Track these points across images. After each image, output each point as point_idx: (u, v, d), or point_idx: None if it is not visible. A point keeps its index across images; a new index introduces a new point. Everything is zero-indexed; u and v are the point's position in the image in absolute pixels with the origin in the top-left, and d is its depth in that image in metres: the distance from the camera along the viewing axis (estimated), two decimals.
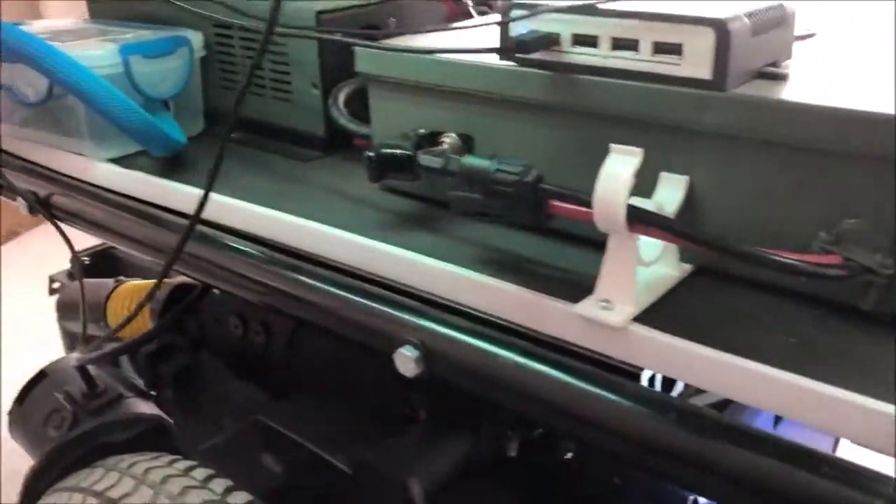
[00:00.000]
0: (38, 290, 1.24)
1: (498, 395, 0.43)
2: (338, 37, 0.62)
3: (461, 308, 0.46)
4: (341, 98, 0.65)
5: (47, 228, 0.71)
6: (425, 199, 0.57)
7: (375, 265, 0.50)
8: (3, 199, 0.74)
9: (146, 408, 0.70)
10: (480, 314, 0.46)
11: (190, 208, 0.59)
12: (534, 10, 0.46)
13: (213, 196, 0.54)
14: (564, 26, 0.46)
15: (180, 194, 0.61)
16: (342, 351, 0.69)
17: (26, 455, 0.73)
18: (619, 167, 0.40)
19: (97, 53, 0.64)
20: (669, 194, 0.44)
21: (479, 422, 0.55)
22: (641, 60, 0.44)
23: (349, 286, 0.50)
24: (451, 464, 0.54)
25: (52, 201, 0.70)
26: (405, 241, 0.51)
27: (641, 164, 0.40)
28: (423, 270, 0.48)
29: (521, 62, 0.48)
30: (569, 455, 0.56)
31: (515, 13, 0.47)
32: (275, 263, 0.54)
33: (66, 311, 1.05)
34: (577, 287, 0.44)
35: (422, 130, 0.54)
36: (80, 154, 0.68)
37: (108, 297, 0.93)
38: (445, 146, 0.53)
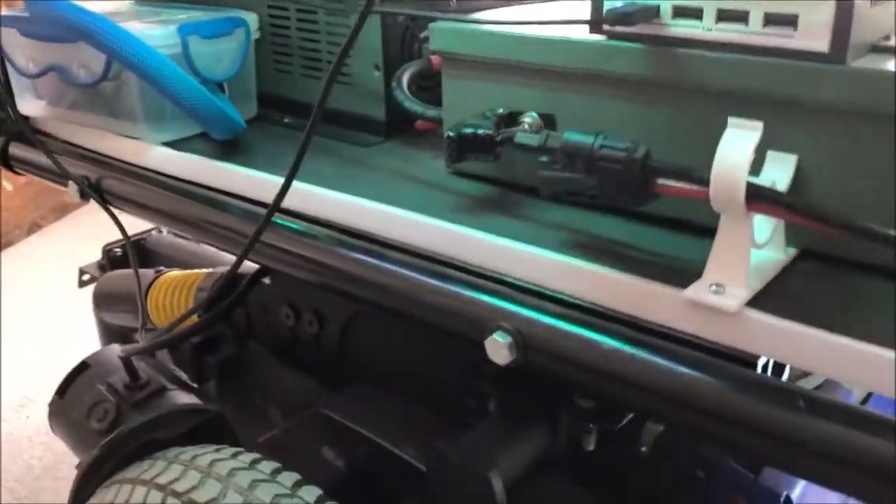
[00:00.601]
0: (66, 282, 1.23)
1: (599, 384, 0.41)
2: (417, 11, 0.59)
3: (554, 294, 0.44)
4: (405, 80, 0.63)
5: (73, 219, 0.70)
6: (498, 182, 0.55)
7: (463, 251, 0.48)
8: (52, 184, 0.73)
9: (190, 399, 0.69)
10: (575, 301, 0.43)
11: (258, 194, 0.58)
12: None
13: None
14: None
15: (248, 179, 0.59)
16: (402, 340, 0.67)
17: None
18: (739, 142, 0.37)
19: (156, 33, 0.62)
20: (779, 173, 0.42)
21: (556, 413, 0.53)
22: (750, 33, 0.42)
23: (437, 272, 0.47)
24: (530, 457, 0.52)
25: (104, 186, 0.68)
26: (488, 225, 0.49)
27: None
28: (516, 256, 0.45)
29: (614, 35, 0.46)
30: (644, 448, 0.54)
31: None
32: (355, 249, 0.51)
33: (103, 301, 1.03)
34: (676, 272, 0.42)
35: (500, 110, 0.52)
36: (134, 137, 0.66)
37: (149, 287, 0.91)
38: (526, 126, 0.51)
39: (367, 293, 0.51)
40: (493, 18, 0.53)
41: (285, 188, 0.46)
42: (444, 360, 0.63)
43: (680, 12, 0.44)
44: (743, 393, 0.37)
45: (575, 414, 0.53)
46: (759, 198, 0.37)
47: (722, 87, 0.43)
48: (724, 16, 0.42)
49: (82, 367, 0.76)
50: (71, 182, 0.68)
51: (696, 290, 0.40)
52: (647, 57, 0.45)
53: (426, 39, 0.66)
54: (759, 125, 0.38)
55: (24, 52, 0.69)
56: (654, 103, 0.46)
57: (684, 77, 0.44)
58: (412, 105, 0.61)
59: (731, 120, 0.38)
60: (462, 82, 0.55)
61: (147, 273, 0.94)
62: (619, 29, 0.46)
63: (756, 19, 0.41)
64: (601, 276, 0.43)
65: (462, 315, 0.45)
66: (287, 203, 0.55)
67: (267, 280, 0.76)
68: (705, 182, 0.38)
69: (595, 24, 0.46)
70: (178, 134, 0.66)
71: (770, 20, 0.41)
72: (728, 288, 0.39)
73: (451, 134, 0.50)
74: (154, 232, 1.15)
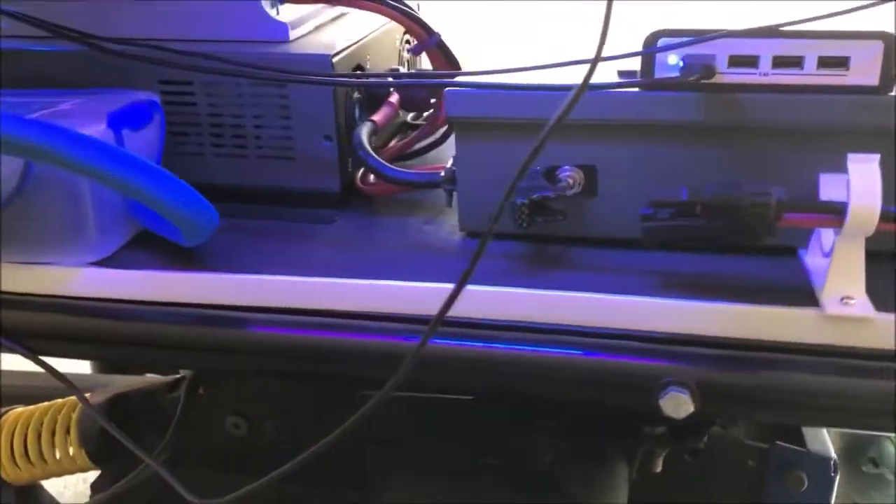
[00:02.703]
0: None
1: (777, 411, 0.44)
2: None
3: (690, 338, 0.46)
4: (368, 145, 0.60)
5: None
6: (525, 237, 0.55)
7: (583, 315, 0.47)
8: None
9: None
10: (714, 340, 0.46)
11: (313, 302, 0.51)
12: (698, 37, 0.47)
13: (269, 279, 0.51)
14: (719, 49, 0.48)
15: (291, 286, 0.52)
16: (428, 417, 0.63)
17: None
18: (868, 174, 0.43)
19: (94, 130, 0.51)
20: (834, 191, 0.49)
21: (632, 446, 0.56)
22: (805, 74, 0.48)
23: (585, 344, 0.47)
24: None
25: (21, 329, 0.54)
26: (578, 283, 0.49)
27: (799, 166, 0.45)
28: (644, 309, 0.47)
29: (665, 87, 0.49)
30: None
31: (664, 41, 0.48)
32: (467, 337, 0.48)
33: None
34: (779, 293, 0.47)
35: (538, 168, 0.53)
36: (45, 263, 0.54)
37: None
38: (570, 180, 0.52)
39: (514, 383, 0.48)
40: (520, 82, 0.52)
41: (457, 291, 0.42)
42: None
43: (735, 61, 0.48)
44: None
45: (649, 441, 0.56)
46: (885, 219, 0.43)
47: (777, 124, 0.49)
48: (779, 62, 0.48)
49: None
50: None
51: (832, 306, 0.45)
52: (702, 104, 0.49)
53: (358, 101, 0.63)
54: (877, 157, 0.44)
55: None
56: (704, 145, 0.51)
57: (740, 119, 0.49)
58: (389, 171, 0.58)
59: (850, 156, 0.44)
60: (478, 144, 0.54)
61: None
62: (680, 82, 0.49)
63: (811, 63, 0.47)
64: (731, 311, 0.46)
65: (627, 380, 0.46)
66: (300, 302, 0.50)
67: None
68: (839, 212, 0.43)
69: (653, 86, 0.49)
70: (105, 251, 0.55)
71: (823, 63, 0.47)
72: (856, 298, 0.45)
73: (522, 202, 0.49)
74: None
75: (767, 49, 0.47)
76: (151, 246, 0.56)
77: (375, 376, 0.54)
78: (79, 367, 0.98)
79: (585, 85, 0.41)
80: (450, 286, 0.46)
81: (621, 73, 0.54)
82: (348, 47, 0.61)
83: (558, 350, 0.47)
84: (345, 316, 0.51)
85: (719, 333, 0.46)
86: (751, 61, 0.48)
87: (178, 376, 0.73)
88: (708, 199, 0.44)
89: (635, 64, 0.50)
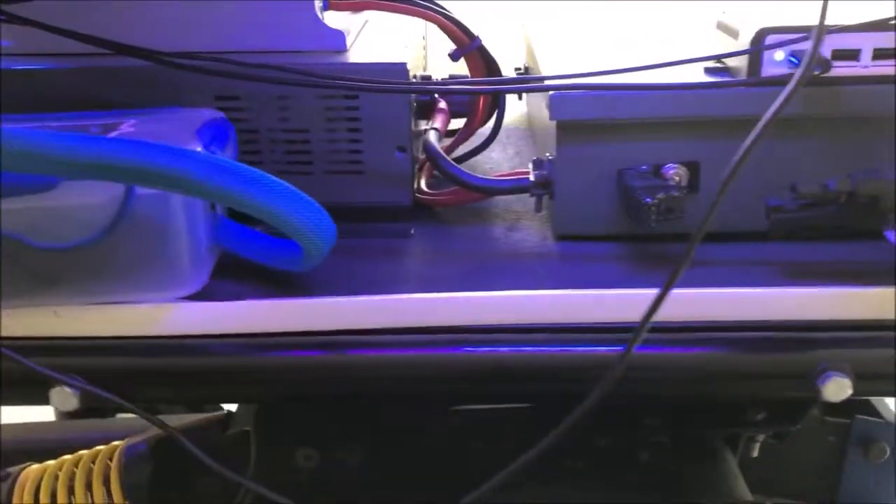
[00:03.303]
0: None
1: None
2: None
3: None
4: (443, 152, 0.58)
5: None
6: (616, 237, 0.55)
7: (740, 310, 0.48)
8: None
9: None
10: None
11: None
12: (807, 32, 0.49)
13: (387, 298, 0.49)
14: (824, 44, 0.50)
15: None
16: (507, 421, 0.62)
17: None
18: None
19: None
20: None
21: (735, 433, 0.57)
22: None
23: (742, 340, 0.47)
24: None
25: (116, 377, 0.49)
26: (701, 279, 0.49)
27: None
28: (787, 300, 0.48)
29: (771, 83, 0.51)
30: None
31: (772, 38, 0.50)
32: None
33: None
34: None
35: (643, 167, 0.53)
36: (133, 302, 0.49)
37: (10, 493, 0.66)
38: (677, 178, 0.53)
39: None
40: (629, 82, 0.52)
41: (662, 295, 0.41)
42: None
43: (838, 55, 0.50)
44: None
45: (751, 427, 0.57)
46: None
47: (876, 113, 0.51)
48: (879, 54, 0.50)
49: None
50: (59, 388, 0.47)
51: None
52: (809, 97, 0.51)
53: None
54: None
55: None
56: (806, 136, 0.52)
57: (842, 110, 0.51)
58: (475, 180, 0.57)
59: None
60: (583, 147, 0.53)
61: None
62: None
63: None
64: (866, 294, 0.48)
65: (785, 370, 0.46)
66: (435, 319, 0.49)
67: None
68: None
69: (761, 83, 0.50)
70: (196, 284, 0.50)
71: None
72: None
73: (650, 201, 0.49)
74: None
75: (869, 42, 0.50)
76: (234, 276, 0.52)
77: (479, 392, 0.54)
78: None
79: (805, 77, 0.41)
80: (590, 292, 0.46)
81: (707, 71, 0.55)
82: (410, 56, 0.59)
83: (704, 348, 0.48)
84: (477, 331, 0.49)
85: (862, 316, 0.47)
86: (853, 55, 0.50)
87: (225, 412, 0.68)
88: (854, 188, 0.46)
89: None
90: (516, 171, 0.59)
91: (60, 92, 0.55)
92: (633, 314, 0.47)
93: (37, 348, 0.48)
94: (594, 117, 0.52)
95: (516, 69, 0.76)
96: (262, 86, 0.55)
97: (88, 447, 0.68)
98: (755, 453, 0.60)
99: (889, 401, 0.65)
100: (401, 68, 0.56)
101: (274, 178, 0.44)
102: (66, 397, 0.47)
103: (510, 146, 0.75)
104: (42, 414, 0.85)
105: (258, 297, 0.49)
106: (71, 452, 0.67)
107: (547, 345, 0.48)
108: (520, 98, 0.80)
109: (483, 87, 0.65)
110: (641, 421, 0.58)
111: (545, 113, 0.56)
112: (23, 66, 0.55)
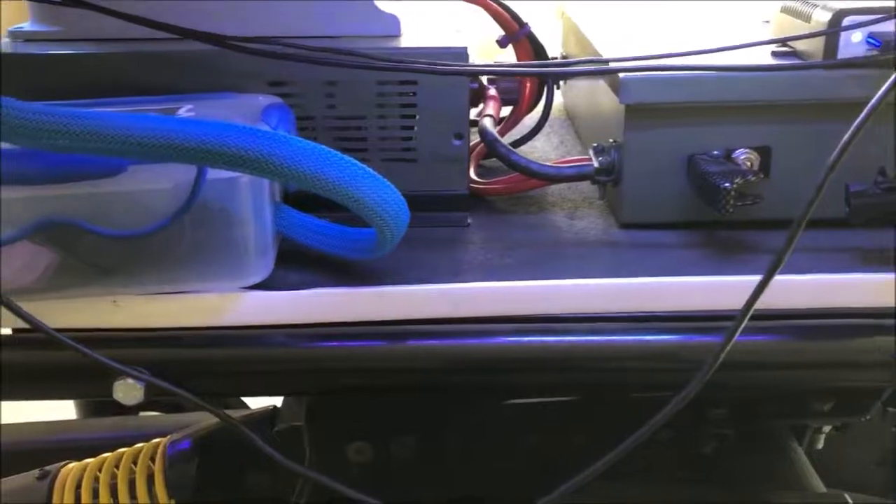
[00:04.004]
0: None
1: None
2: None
3: None
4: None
5: None
6: (682, 224, 0.54)
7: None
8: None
9: None
10: None
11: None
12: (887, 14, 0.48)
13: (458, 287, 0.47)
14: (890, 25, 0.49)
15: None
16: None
17: None
18: None
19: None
20: None
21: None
22: None
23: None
24: None
25: (182, 370, 0.47)
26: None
27: None
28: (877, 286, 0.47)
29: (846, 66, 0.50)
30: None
31: (850, 20, 0.49)
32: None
33: None
34: None
35: (715, 151, 0.52)
36: (200, 292, 0.47)
37: (50, 491, 0.64)
38: (749, 163, 0.52)
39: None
40: (702, 63, 0.51)
41: (765, 283, 0.39)
42: None
43: None
44: None
45: (820, 418, 0.56)
46: None
47: None
48: None
49: None
50: (123, 381, 0.45)
51: None
52: (885, 80, 0.50)
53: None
54: None
55: None
56: (886, 121, 0.51)
57: None
58: (537, 167, 0.56)
59: None
60: (653, 132, 0.52)
61: (20, 480, 0.66)
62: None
63: None
64: None
65: (861, 356, 0.45)
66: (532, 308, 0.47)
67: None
68: None
69: (840, 65, 0.49)
70: (262, 273, 0.49)
71: None
72: None
73: (728, 185, 0.48)
74: None
75: None
76: (294, 265, 0.50)
77: (549, 382, 0.52)
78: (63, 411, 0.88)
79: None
80: (667, 280, 0.45)
81: (775, 54, 0.54)
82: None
83: (775, 336, 0.47)
84: (549, 321, 0.48)
85: None
86: None
87: (271, 407, 0.67)
88: None
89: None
90: (575, 158, 0.58)
91: (108, 77, 0.54)
92: (715, 302, 0.46)
93: (96, 339, 0.46)
94: (665, 101, 0.51)
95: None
96: (316, 71, 0.53)
97: (116, 446, 0.66)
98: (820, 445, 0.59)
99: None
100: (461, 52, 0.54)
101: (353, 160, 0.43)
102: (130, 390, 0.45)
103: (553, 135, 0.74)
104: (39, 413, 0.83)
105: (322, 286, 0.48)
106: (100, 451, 0.65)
107: (623, 334, 0.47)
108: (558, 87, 0.79)
109: (552, 70, 0.64)
110: (706, 413, 0.57)
111: (607, 98, 0.55)
112: (72, 52, 0.54)
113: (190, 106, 0.50)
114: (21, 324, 0.43)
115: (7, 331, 0.50)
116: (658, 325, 0.47)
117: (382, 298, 0.48)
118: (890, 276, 0.47)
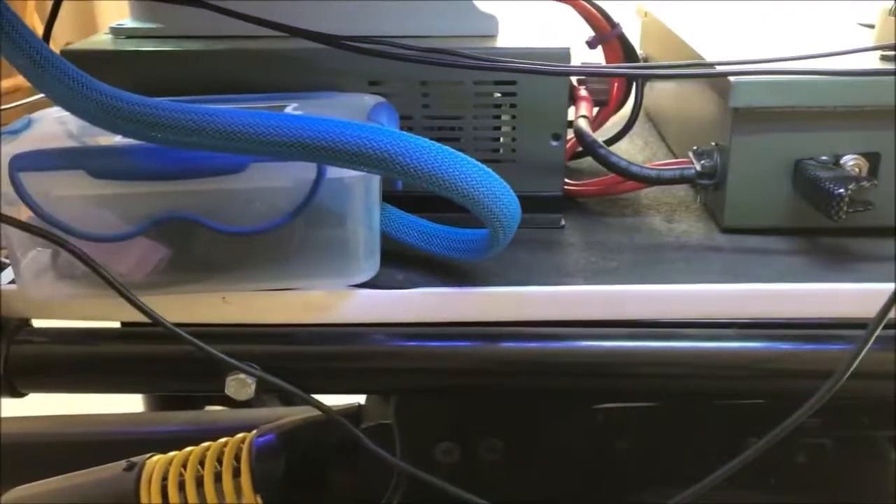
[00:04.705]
0: None
1: None
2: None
3: None
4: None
5: None
6: (787, 229, 0.53)
7: None
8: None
9: None
10: None
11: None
12: None
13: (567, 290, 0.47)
14: None
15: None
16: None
17: None
18: None
19: None
20: None
21: None
22: None
23: None
24: None
25: (291, 367, 0.47)
26: None
27: None
28: None
29: None
30: None
31: None
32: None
33: None
34: None
35: (823, 157, 0.51)
36: (308, 290, 0.47)
37: (137, 483, 0.65)
38: (857, 169, 0.51)
39: None
40: (812, 67, 0.50)
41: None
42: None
43: None
44: None
45: None
46: None
47: None
48: None
49: None
50: (236, 376, 0.46)
51: None
52: None
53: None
54: None
55: (96, 206, 0.44)
56: None
57: None
58: (637, 169, 0.55)
59: None
60: (761, 136, 0.51)
61: (108, 471, 0.66)
62: None
63: None
64: None
65: None
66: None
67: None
68: None
69: None
70: (369, 272, 0.49)
71: None
72: None
73: (842, 191, 0.47)
74: None
75: None
76: (396, 264, 0.50)
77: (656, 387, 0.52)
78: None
79: None
80: (777, 286, 0.44)
81: (884, 59, 0.53)
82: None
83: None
84: (655, 325, 0.47)
85: None
86: None
87: (356, 404, 0.67)
88: None
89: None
90: (674, 160, 0.57)
91: (210, 74, 0.54)
92: (832, 310, 0.45)
93: (207, 335, 0.46)
94: (774, 105, 0.50)
95: None
96: (414, 71, 0.54)
97: (194, 439, 0.66)
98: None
99: None
100: (564, 53, 0.54)
101: (470, 158, 0.43)
102: (242, 385, 0.46)
103: (637, 137, 0.73)
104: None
105: (428, 286, 0.48)
106: (178, 445, 0.66)
107: (739, 340, 0.47)
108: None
109: (650, 73, 0.63)
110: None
111: (706, 101, 0.54)
112: (175, 48, 0.54)
113: (296, 104, 0.50)
114: (130, 317, 0.44)
115: (116, 324, 0.50)
116: (774, 333, 0.46)
117: (490, 299, 0.48)
118: None
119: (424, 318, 0.47)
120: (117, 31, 0.57)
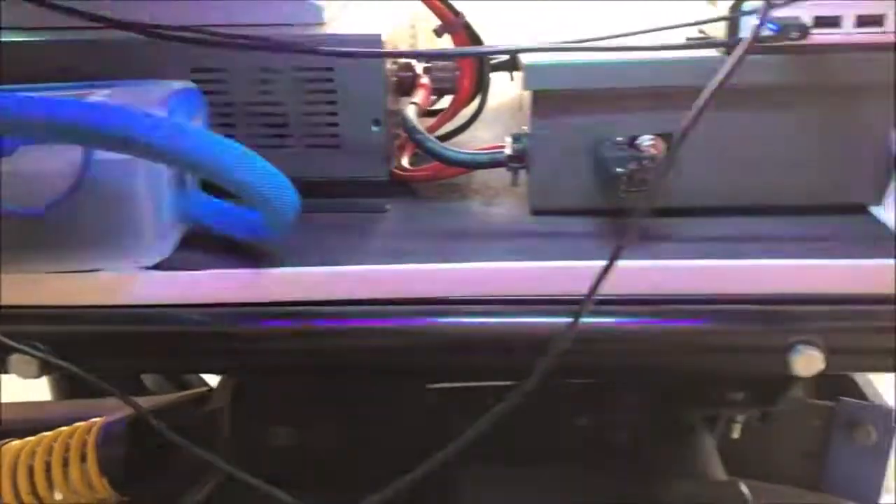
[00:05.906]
0: None
1: None
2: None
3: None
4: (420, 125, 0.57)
5: None
6: (590, 210, 0.54)
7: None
8: None
9: None
10: None
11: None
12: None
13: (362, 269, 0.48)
14: (804, 12, 0.48)
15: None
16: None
17: None
18: None
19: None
20: None
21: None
22: (884, 32, 0.49)
23: None
24: None
25: (78, 347, 0.48)
26: (684, 253, 0.48)
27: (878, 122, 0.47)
28: (767, 273, 0.46)
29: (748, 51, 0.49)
30: None
31: (749, 5, 0.48)
32: None
33: None
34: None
35: (619, 138, 0.52)
36: (98, 271, 0.48)
37: None
38: (653, 150, 0.52)
39: None
40: (605, 45, 0.51)
41: (608, 268, 0.40)
42: None
43: (820, 22, 0.49)
44: None
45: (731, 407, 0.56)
46: None
47: (859, 82, 0.50)
48: (862, 20, 0.49)
49: None
50: (18, 357, 0.47)
51: None
52: (787, 65, 0.50)
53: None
54: None
55: None
56: (784, 106, 0.51)
57: (824, 78, 0.50)
58: (452, 154, 0.56)
59: None
60: (558, 119, 0.52)
61: None
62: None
63: (890, 21, 0.48)
64: (848, 267, 0.46)
65: (756, 343, 0.45)
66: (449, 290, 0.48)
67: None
68: None
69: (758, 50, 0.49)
70: (161, 253, 0.50)
71: None
72: None
73: (622, 170, 0.48)
74: None
75: (851, 9, 0.48)
76: (204, 248, 0.51)
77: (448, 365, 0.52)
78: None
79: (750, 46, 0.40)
80: (558, 264, 0.45)
81: (690, 40, 0.54)
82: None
83: (684, 322, 0.46)
84: (446, 303, 0.48)
85: (839, 290, 0.46)
86: (835, 21, 0.49)
87: (206, 388, 0.68)
88: None
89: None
90: (492, 145, 0.58)
91: (38, 65, 0.55)
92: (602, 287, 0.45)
93: None
94: (570, 87, 0.51)
95: None
96: (237, 58, 0.55)
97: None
98: (735, 434, 0.58)
99: (877, 383, 0.63)
100: (375, 39, 0.55)
101: (228, 140, 0.44)
102: (25, 365, 0.46)
103: (499, 125, 0.74)
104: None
105: (221, 267, 0.49)
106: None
107: (511, 316, 0.47)
108: (511, 78, 0.79)
109: (452, 51, 0.64)
110: (620, 400, 0.57)
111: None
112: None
113: (107, 91, 0.51)
114: None
115: None
116: (543, 309, 0.47)
117: (276, 279, 0.48)
118: (792, 262, 0.47)
119: (214, 299, 0.48)
120: None
